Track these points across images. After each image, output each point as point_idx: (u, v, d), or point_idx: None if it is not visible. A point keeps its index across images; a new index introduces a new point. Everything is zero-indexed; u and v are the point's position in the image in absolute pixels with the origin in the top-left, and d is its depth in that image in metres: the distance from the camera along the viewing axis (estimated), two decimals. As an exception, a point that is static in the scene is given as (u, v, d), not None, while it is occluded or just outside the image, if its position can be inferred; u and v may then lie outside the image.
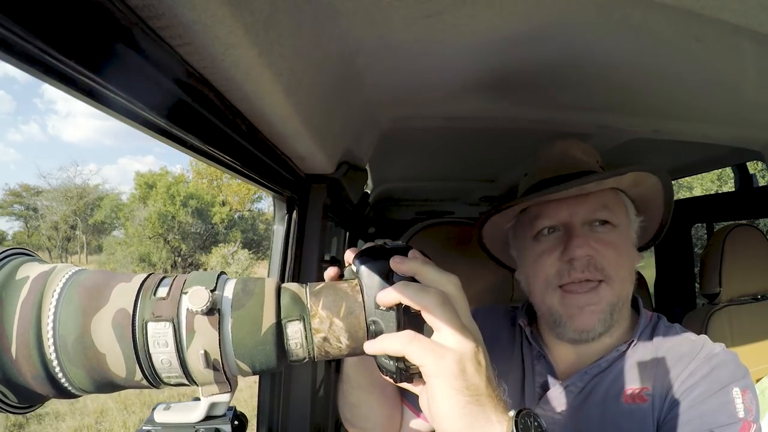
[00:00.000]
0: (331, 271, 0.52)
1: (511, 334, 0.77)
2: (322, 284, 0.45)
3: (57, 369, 0.34)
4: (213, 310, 0.37)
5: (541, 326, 0.74)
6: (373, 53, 0.62)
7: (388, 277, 0.43)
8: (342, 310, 0.42)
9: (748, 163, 1.59)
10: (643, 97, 0.86)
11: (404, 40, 0.58)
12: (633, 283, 0.67)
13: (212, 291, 0.38)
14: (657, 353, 0.64)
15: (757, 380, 1.24)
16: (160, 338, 0.36)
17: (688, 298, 1.96)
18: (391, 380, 0.44)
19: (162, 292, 0.38)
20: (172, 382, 0.38)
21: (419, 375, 0.43)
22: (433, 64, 0.69)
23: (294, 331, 0.40)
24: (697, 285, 1.76)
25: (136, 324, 0.36)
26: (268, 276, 0.90)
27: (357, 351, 0.43)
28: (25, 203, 20.05)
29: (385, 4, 0.48)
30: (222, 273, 0.41)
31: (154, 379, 0.37)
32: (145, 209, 14.76)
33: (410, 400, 0.76)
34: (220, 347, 0.37)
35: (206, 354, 0.37)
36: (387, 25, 0.54)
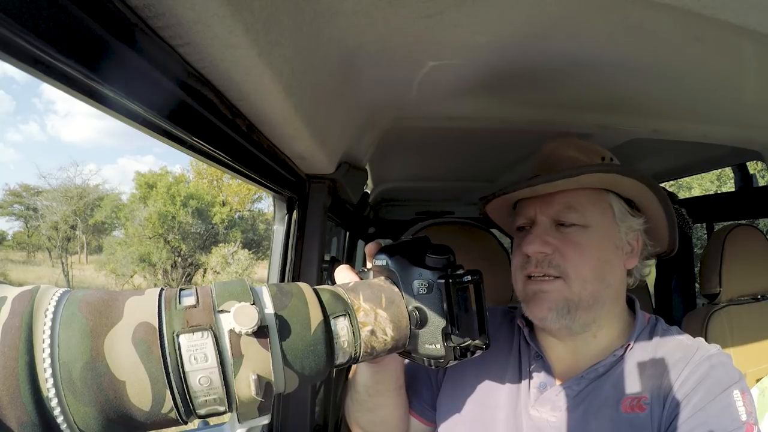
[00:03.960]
0: (345, 269, 0.51)
1: (509, 334, 0.77)
2: (352, 282, 0.44)
3: (57, 410, 0.26)
4: (262, 328, 0.32)
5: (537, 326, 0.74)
6: (373, 53, 0.62)
7: (421, 264, 0.44)
8: (383, 300, 0.42)
9: (748, 163, 1.59)
10: (643, 97, 0.86)
11: (404, 39, 0.58)
12: (609, 286, 0.65)
13: (252, 305, 0.33)
14: (655, 359, 0.64)
15: (757, 380, 1.24)
16: (197, 351, 0.30)
17: (688, 298, 1.96)
18: (431, 366, 0.44)
19: (188, 300, 0.32)
20: (203, 412, 0.31)
21: (473, 349, 0.44)
22: (433, 64, 0.69)
23: (341, 328, 0.38)
24: (697, 285, 1.76)
25: (165, 337, 0.29)
26: (268, 276, 0.90)
27: (399, 344, 0.42)
28: (25, 203, 20.05)
29: (385, 4, 0.48)
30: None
31: (186, 408, 0.30)
32: (145, 209, 14.76)
33: (414, 408, 0.76)
34: (272, 368, 0.32)
35: (259, 379, 0.31)
36: (387, 25, 0.54)
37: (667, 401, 0.59)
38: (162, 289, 0.33)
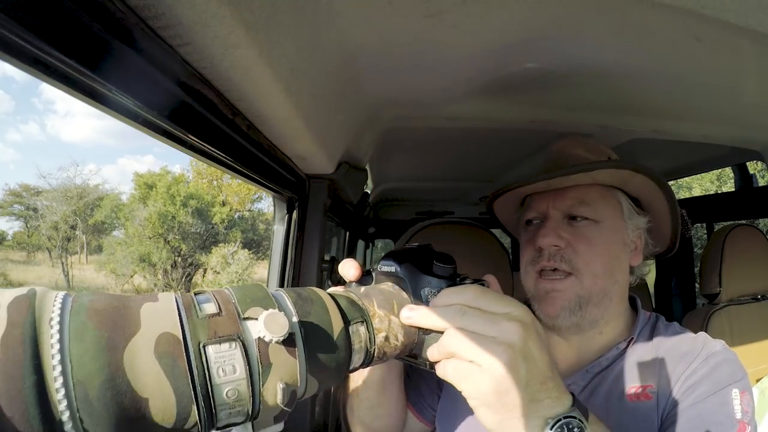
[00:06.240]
0: (351, 262, 0.51)
1: None
2: (363, 287, 0.45)
3: None
4: (291, 336, 0.32)
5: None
6: (373, 53, 0.62)
7: (429, 272, 0.45)
8: (395, 307, 0.43)
9: (748, 163, 1.59)
10: (643, 97, 0.86)
11: (404, 40, 0.58)
12: (616, 281, 0.67)
13: (279, 311, 0.32)
14: (658, 351, 0.65)
15: (757, 380, 1.24)
16: (225, 363, 0.29)
17: (688, 298, 1.96)
18: (433, 369, 0.45)
19: (209, 307, 0.30)
20: (222, 424, 0.30)
21: None
22: (433, 64, 0.69)
23: (360, 334, 0.39)
24: (697, 285, 1.76)
25: (191, 349, 0.28)
26: (268, 276, 0.90)
27: (407, 348, 0.44)
28: (25, 203, 20.04)
29: (384, 4, 0.48)
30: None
31: (209, 422, 0.29)
32: (145, 209, 14.77)
33: (413, 403, 0.76)
34: (299, 375, 0.32)
35: (286, 387, 0.31)
36: (387, 25, 0.54)
37: (674, 390, 0.60)
38: (176, 294, 0.31)
